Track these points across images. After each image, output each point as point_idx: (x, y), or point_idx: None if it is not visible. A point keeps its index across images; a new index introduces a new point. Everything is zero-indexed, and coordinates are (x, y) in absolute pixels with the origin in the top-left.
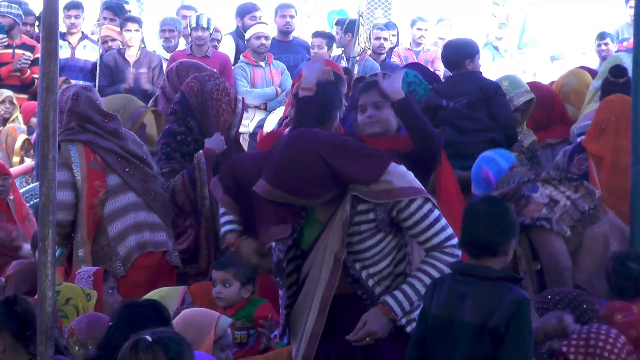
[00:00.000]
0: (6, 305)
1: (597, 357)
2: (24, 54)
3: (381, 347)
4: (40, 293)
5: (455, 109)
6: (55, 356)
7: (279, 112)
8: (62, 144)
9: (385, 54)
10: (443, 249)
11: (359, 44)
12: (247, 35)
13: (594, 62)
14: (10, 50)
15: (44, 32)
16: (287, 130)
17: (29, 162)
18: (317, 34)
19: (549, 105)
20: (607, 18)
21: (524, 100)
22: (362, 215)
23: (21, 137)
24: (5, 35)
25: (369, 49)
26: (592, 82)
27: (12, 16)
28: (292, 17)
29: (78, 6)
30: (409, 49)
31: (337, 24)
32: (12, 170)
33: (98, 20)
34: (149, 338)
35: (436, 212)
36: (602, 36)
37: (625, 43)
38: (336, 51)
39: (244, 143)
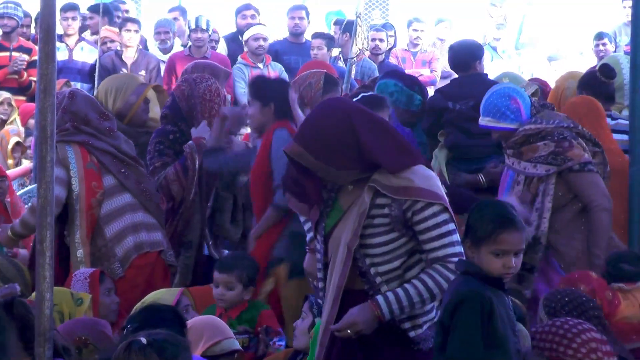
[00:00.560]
0: (5, 308)
1: (555, 345)
2: (19, 56)
3: (383, 350)
4: (38, 295)
5: (461, 111)
6: (55, 359)
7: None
8: (58, 144)
9: (383, 55)
10: (446, 264)
11: (356, 44)
12: (245, 36)
13: (591, 63)
14: (7, 53)
15: (42, 34)
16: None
17: (26, 163)
18: (316, 35)
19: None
20: (605, 18)
21: (532, 91)
22: (378, 209)
23: (13, 140)
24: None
25: (367, 49)
26: None
27: (17, 18)
28: (301, 18)
29: (75, 8)
30: (406, 49)
31: (335, 23)
32: (10, 172)
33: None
34: (143, 340)
35: (451, 226)
36: (600, 36)
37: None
38: (334, 52)
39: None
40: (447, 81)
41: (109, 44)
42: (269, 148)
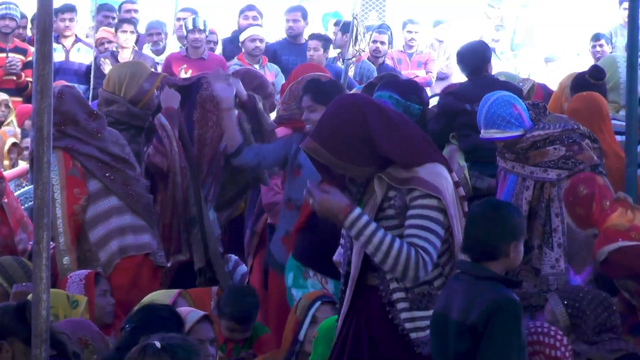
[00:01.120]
0: (17, 311)
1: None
2: (13, 57)
3: (384, 350)
4: (35, 296)
5: None
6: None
7: (272, 114)
8: None
9: (383, 57)
10: (418, 251)
11: (353, 45)
12: (242, 37)
13: (588, 64)
14: (4, 54)
15: (39, 35)
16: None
17: (23, 165)
18: (312, 36)
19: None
20: (601, 19)
21: (528, 88)
22: (388, 202)
23: (10, 141)
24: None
25: (364, 50)
26: None
27: (16, 19)
28: (296, 20)
29: (72, 9)
30: (401, 51)
31: (335, 24)
32: (7, 173)
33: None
34: (157, 344)
35: (435, 226)
36: (596, 37)
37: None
38: (332, 52)
39: None
40: (444, 82)
41: (106, 45)
42: None
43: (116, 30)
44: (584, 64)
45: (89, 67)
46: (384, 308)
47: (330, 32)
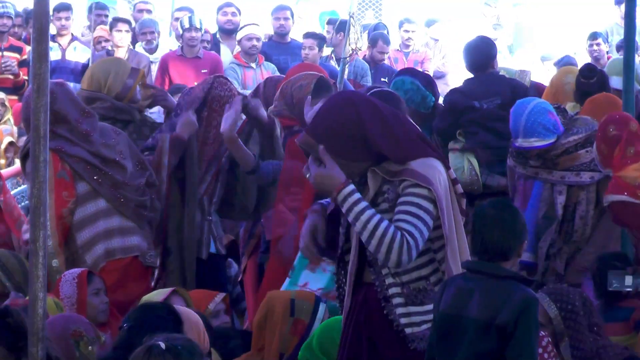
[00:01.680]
0: None
1: None
2: (8, 58)
3: (382, 348)
4: (31, 295)
5: (489, 110)
6: None
7: None
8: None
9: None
10: (403, 235)
11: (349, 44)
12: (238, 36)
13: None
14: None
15: (35, 34)
16: None
17: (19, 163)
18: (307, 35)
19: None
20: (597, 18)
21: (529, 80)
22: (382, 196)
23: (6, 140)
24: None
25: (360, 49)
26: None
27: (13, 18)
28: (286, 19)
29: (68, 8)
30: (398, 50)
31: (328, 23)
32: (4, 172)
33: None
34: (162, 345)
35: (424, 214)
36: (594, 36)
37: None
38: (326, 51)
39: None
40: (440, 81)
41: (103, 44)
42: None
43: (111, 29)
44: (581, 62)
45: (85, 66)
46: (380, 303)
47: (325, 30)
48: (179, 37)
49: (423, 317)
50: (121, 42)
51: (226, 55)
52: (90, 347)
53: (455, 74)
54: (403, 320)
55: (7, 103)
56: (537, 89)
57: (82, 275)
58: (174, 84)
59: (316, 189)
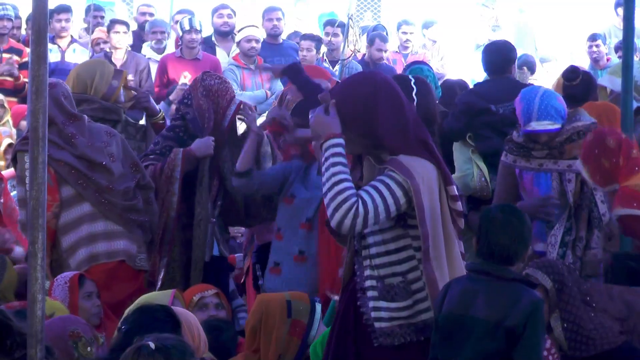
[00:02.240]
0: None
1: None
2: (10, 58)
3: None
4: (30, 296)
5: (505, 115)
6: None
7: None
8: (18, 154)
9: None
10: (358, 197)
11: (348, 46)
12: (237, 38)
13: (584, 64)
14: None
15: (34, 36)
16: None
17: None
18: (305, 37)
19: None
20: (596, 19)
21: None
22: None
23: (5, 141)
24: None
25: (359, 51)
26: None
27: (12, 20)
28: (278, 19)
29: (67, 10)
30: (397, 51)
31: (326, 24)
32: (3, 173)
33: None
34: (152, 345)
35: (389, 197)
36: (593, 37)
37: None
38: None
39: None
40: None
41: (101, 45)
42: None
43: (109, 31)
44: (580, 64)
45: None
46: (356, 294)
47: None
48: (179, 38)
49: (392, 314)
50: (119, 44)
51: (222, 57)
52: (88, 348)
53: (453, 75)
54: (373, 314)
55: (6, 105)
56: None
57: (73, 279)
58: (174, 83)
59: (311, 130)
